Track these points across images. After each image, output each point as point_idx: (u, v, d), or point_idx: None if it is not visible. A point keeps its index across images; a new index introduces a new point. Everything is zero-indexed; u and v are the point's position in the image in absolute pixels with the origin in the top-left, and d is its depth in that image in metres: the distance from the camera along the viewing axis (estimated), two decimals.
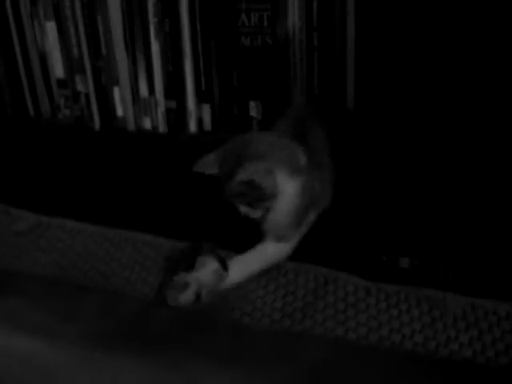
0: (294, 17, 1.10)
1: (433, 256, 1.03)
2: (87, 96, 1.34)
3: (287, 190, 0.97)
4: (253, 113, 1.20)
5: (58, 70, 1.37)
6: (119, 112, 1.33)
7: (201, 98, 1.25)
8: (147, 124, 1.31)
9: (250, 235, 1.13)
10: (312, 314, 0.97)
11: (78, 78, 1.34)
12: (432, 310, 0.96)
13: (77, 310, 0.39)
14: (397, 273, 1.04)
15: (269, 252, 1.00)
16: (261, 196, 0.95)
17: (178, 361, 0.35)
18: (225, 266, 0.97)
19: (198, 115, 1.26)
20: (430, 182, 1.03)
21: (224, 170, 0.98)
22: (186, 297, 0.94)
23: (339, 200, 1.05)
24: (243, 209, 0.98)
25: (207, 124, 1.26)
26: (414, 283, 1.00)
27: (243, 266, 0.99)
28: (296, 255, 1.04)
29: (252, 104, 1.20)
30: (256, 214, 0.98)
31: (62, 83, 1.38)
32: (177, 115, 1.27)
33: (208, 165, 1.01)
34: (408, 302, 0.98)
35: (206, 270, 0.97)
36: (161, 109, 1.28)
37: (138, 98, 1.30)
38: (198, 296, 0.94)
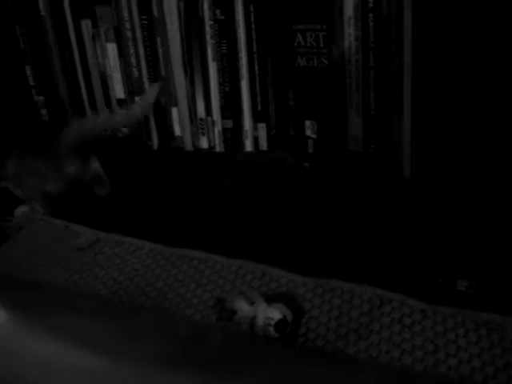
0: (349, 37, 1.11)
1: (492, 279, 1.01)
2: (146, 116, 1.38)
3: None
4: (308, 132, 1.21)
5: (118, 90, 1.41)
6: (177, 131, 1.36)
7: (257, 117, 1.26)
8: (204, 143, 1.33)
9: (313, 256, 1.14)
10: (367, 335, 0.96)
11: (137, 99, 1.37)
12: (490, 335, 0.93)
13: (135, 329, 0.40)
14: (454, 295, 1.02)
15: None
16: None
17: None
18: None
19: (254, 135, 1.28)
20: (488, 203, 1.02)
21: None
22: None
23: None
24: None
25: (263, 143, 1.27)
26: (471, 306, 0.98)
27: None
28: (351, 276, 1.04)
29: (307, 123, 1.20)
30: None
31: (122, 103, 1.42)
32: (233, 135, 1.29)
33: None
34: (465, 326, 0.95)
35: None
36: (217, 128, 1.30)
37: (195, 118, 1.32)
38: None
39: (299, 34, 1.14)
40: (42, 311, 0.41)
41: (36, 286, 0.47)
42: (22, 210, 1.42)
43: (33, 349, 0.37)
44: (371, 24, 1.08)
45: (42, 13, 1.41)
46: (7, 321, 0.40)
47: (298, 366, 0.37)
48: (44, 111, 1.53)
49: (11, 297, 0.43)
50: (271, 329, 0.95)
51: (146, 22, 1.29)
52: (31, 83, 1.51)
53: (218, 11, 1.21)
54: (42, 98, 1.52)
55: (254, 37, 1.20)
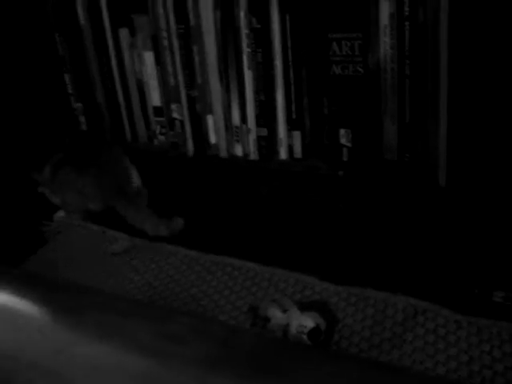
0: (385, 45, 1.10)
1: None
2: (182, 123, 1.39)
3: None
4: (343, 140, 1.21)
5: (155, 98, 1.43)
6: (212, 139, 1.37)
7: (292, 125, 1.27)
8: (239, 151, 1.34)
9: (340, 263, 1.13)
10: (400, 345, 0.96)
11: (173, 106, 1.39)
12: None
13: (176, 331, 0.41)
14: (490, 306, 1.01)
15: None
16: None
17: None
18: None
19: (288, 143, 1.28)
20: None
21: None
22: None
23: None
24: None
25: (297, 151, 1.28)
26: (507, 318, 0.97)
27: None
28: (385, 285, 1.04)
29: (342, 132, 1.20)
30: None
31: (158, 111, 1.43)
32: (268, 143, 1.30)
33: None
34: (501, 338, 0.94)
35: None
36: (252, 136, 1.31)
37: (230, 126, 1.33)
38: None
39: (334, 43, 1.15)
40: (85, 312, 0.42)
41: (75, 288, 0.48)
42: (61, 214, 1.44)
43: (80, 348, 0.38)
44: (407, 32, 1.08)
45: (81, 21, 1.44)
46: (52, 320, 0.41)
47: (340, 371, 0.37)
48: (82, 118, 1.55)
49: (53, 298, 0.44)
50: (304, 337, 0.95)
51: (182, 31, 1.31)
52: (70, 90, 1.54)
53: (254, 20, 1.22)
54: (80, 105, 1.55)
55: (289, 45, 1.21)
